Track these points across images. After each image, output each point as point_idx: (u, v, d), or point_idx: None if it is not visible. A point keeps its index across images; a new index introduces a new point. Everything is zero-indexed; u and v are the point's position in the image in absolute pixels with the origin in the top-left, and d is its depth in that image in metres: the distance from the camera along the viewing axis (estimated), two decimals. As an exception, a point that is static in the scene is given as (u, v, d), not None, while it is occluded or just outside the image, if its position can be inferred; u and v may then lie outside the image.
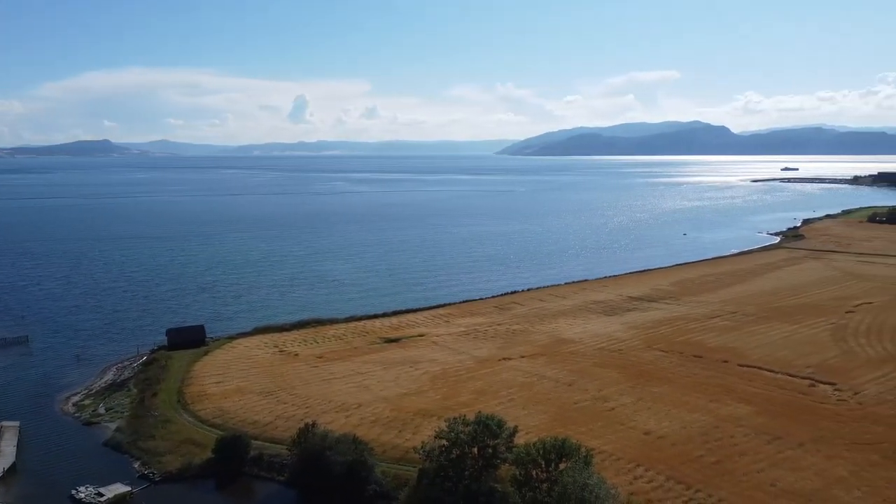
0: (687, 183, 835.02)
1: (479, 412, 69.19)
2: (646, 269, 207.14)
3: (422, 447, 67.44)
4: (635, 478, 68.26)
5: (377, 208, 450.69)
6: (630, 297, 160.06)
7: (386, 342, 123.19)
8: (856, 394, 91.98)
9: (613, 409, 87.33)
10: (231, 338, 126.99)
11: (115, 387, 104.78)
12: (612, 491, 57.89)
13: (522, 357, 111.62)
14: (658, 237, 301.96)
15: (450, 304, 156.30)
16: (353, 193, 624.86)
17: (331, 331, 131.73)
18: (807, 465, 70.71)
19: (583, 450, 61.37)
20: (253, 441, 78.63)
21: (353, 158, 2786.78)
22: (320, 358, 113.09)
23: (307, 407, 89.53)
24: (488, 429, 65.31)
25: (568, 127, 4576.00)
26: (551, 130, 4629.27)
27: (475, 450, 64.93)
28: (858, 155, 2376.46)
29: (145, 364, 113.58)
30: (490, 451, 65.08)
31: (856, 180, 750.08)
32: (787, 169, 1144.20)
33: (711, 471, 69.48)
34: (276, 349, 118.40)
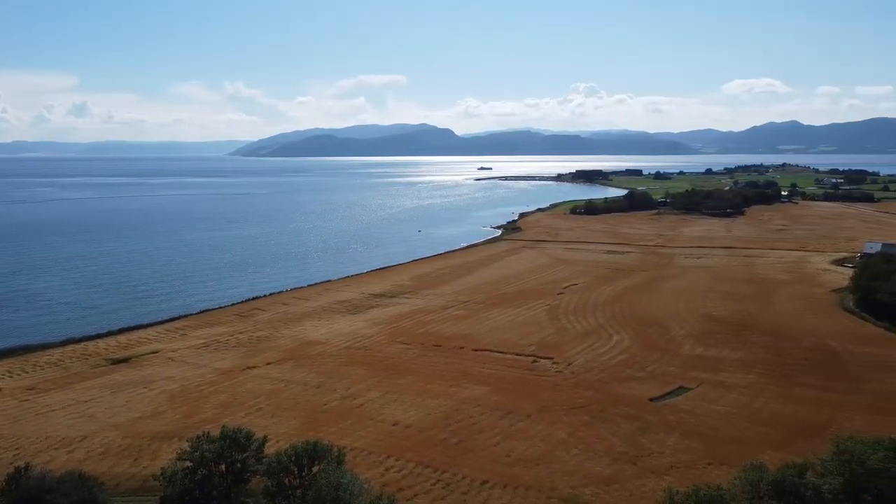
0: (419, 182, 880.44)
1: (225, 426, 66.06)
2: (386, 266, 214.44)
3: (162, 473, 62.50)
4: (386, 469, 70.60)
5: (95, 216, 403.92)
6: (372, 294, 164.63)
7: (113, 363, 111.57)
8: (569, 364, 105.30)
9: (362, 405, 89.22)
10: None
11: None
12: (366, 486, 59.19)
13: (268, 364, 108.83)
14: (396, 235, 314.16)
15: (186, 316, 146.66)
16: (63, 201, 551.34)
17: (44, 357, 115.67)
18: (534, 433, 79.24)
19: (335, 450, 61.76)
20: (-54, 498, 66.09)
21: (61, 161, 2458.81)
22: (31, 390, 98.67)
23: (17, 448, 77.63)
24: (236, 442, 62.60)
25: (302, 128, 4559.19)
26: (286, 131, 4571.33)
27: (223, 466, 61.83)
28: (560, 155, 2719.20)
29: None
30: (239, 465, 62.47)
31: (559, 178, 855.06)
32: (482, 168, 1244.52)
33: (455, 451, 74.54)
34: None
